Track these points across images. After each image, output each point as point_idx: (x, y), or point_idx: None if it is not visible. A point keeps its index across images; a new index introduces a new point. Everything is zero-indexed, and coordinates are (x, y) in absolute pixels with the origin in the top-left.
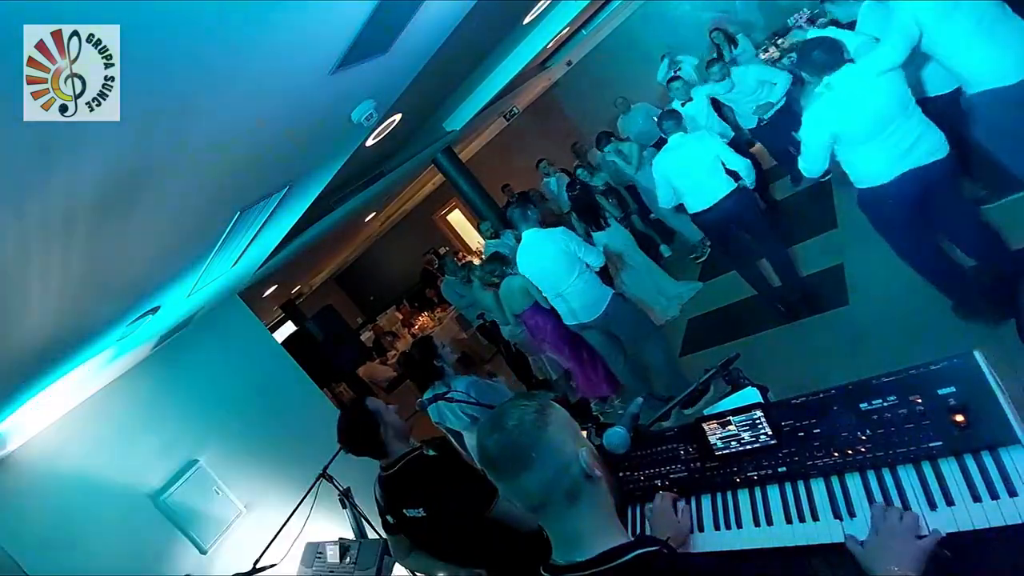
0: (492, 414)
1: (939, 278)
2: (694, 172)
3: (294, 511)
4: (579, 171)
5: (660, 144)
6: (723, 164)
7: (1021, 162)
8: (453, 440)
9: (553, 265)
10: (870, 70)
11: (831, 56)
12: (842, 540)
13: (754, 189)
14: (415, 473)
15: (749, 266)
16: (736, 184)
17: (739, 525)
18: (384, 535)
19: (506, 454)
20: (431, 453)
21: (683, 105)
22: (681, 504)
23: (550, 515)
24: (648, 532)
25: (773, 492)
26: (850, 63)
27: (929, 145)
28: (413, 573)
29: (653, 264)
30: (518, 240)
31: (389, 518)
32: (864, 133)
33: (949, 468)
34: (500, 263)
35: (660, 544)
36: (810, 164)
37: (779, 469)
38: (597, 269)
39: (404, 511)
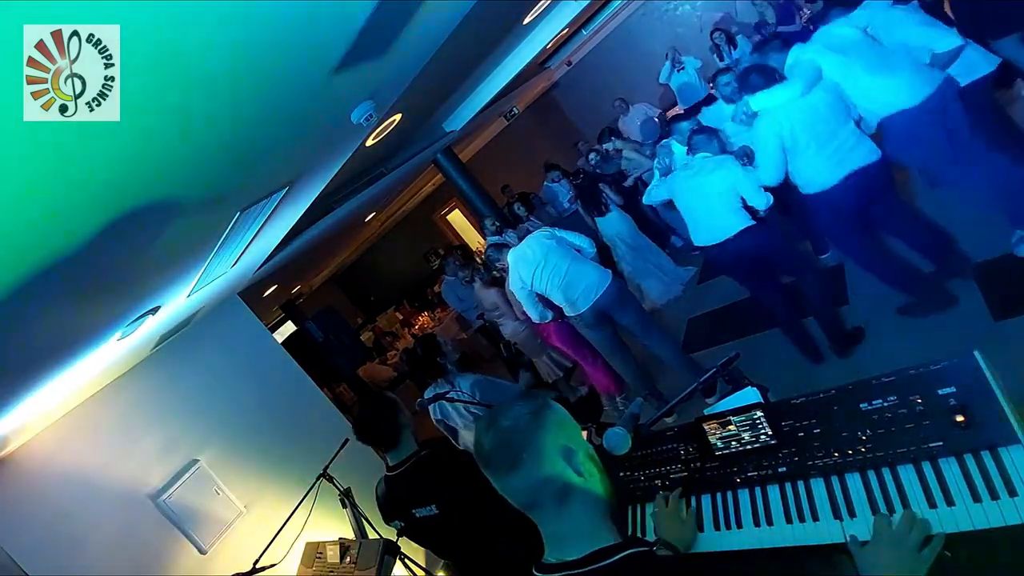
0: (491, 412)
1: (891, 276)
2: (705, 201)
3: (294, 511)
4: (592, 155)
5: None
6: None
7: (933, 166)
8: (452, 439)
9: (553, 257)
10: (783, 97)
11: (766, 78)
12: (842, 540)
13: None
14: (423, 471)
15: (791, 320)
16: (753, 221)
17: (739, 525)
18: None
19: (497, 453)
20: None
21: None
22: (682, 501)
23: (539, 515)
24: (654, 536)
25: (773, 492)
26: (783, 83)
27: (864, 150)
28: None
29: (655, 246)
30: (520, 238)
31: (397, 523)
32: (806, 143)
33: (949, 468)
34: (504, 248)
35: (650, 544)
36: (770, 176)
37: (779, 469)
38: (592, 254)
39: (414, 511)
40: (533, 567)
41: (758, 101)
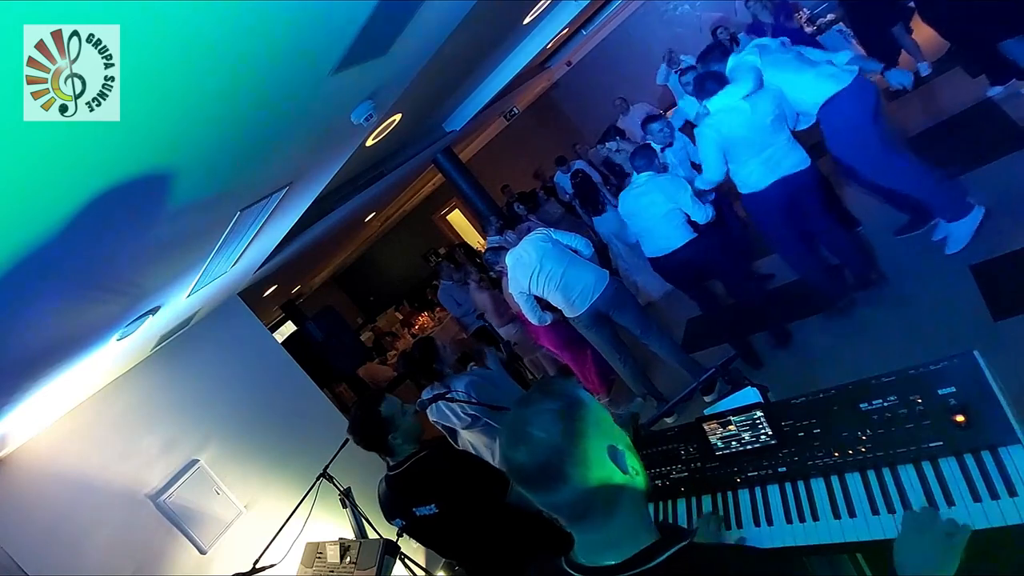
0: (513, 420)
1: (811, 275)
2: (653, 220)
3: (294, 511)
4: (610, 143)
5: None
6: (686, 215)
7: (867, 154)
8: (451, 439)
9: (549, 260)
10: (737, 95)
11: (719, 82)
12: (842, 540)
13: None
14: (424, 470)
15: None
16: (695, 234)
17: (739, 525)
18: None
19: (539, 470)
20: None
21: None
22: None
23: (586, 525)
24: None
25: (773, 492)
26: (726, 87)
27: (794, 159)
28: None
29: None
30: (520, 238)
31: (399, 521)
32: (744, 148)
33: (949, 468)
34: (502, 251)
35: (689, 536)
36: (710, 174)
37: (779, 469)
38: (588, 254)
39: (414, 510)
40: (563, 561)
41: (714, 103)
